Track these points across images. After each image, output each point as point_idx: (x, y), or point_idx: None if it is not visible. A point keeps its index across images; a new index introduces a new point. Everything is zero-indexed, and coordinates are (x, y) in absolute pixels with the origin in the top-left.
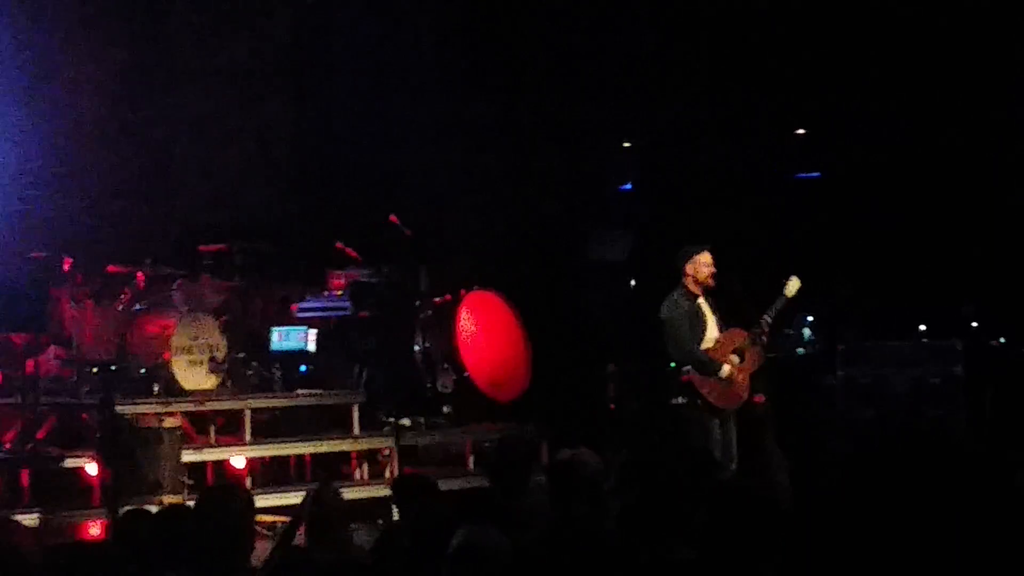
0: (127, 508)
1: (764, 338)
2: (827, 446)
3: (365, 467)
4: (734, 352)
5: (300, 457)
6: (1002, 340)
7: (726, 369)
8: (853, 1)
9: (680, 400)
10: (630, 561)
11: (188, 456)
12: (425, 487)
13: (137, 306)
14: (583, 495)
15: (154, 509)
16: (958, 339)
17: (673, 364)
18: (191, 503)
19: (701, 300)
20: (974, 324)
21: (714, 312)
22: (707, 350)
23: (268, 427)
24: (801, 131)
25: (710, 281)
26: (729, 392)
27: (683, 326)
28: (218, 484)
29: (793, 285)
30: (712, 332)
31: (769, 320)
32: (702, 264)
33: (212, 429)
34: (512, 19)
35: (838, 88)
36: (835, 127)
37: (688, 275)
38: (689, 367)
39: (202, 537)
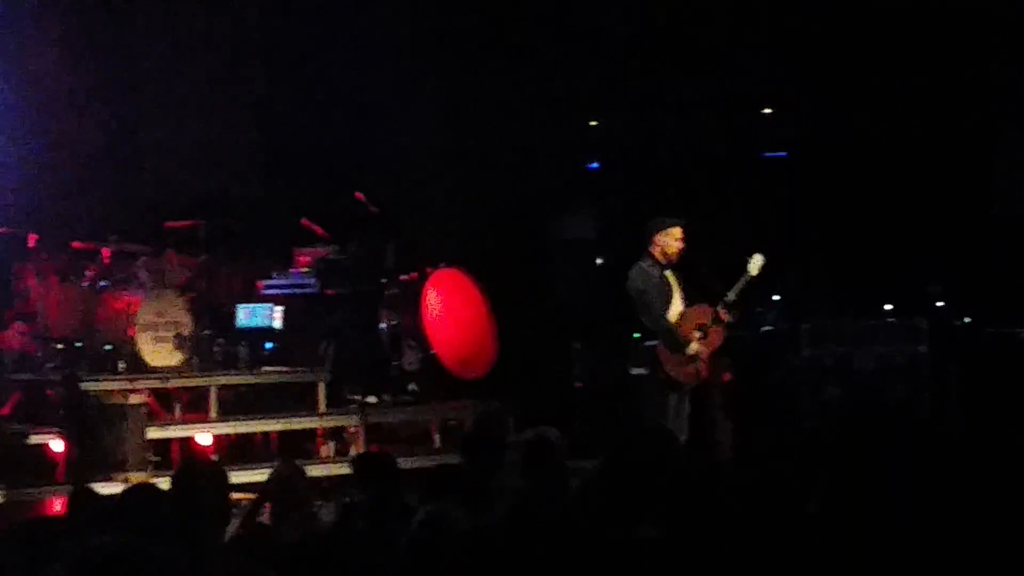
0: (76, 487)
1: (728, 316)
2: (791, 425)
3: (331, 445)
4: (697, 328)
5: (266, 434)
6: (967, 319)
7: (693, 346)
8: None
9: (640, 371)
10: (597, 539)
11: (153, 433)
12: (386, 465)
13: (102, 282)
14: (554, 473)
15: (119, 487)
16: (923, 318)
17: (637, 335)
18: (156, 480)
19: (667, 272)
20: (940, 303)
21: (679, 287)
22: (672, 323)
23: (234, 404)
24: (768, 110)
25: (676, 256)
26: (690, 368)
27: (654, 295)
28: (194, 459)
29: (757, 263)
30: (677, 306)
31: (733, 298)
32: (673, 237)
33: (178, 406)
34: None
35: (805, 67)
36: (802, 107)
37: (657, 244)
38: (658, 340)
39: (178, 512)
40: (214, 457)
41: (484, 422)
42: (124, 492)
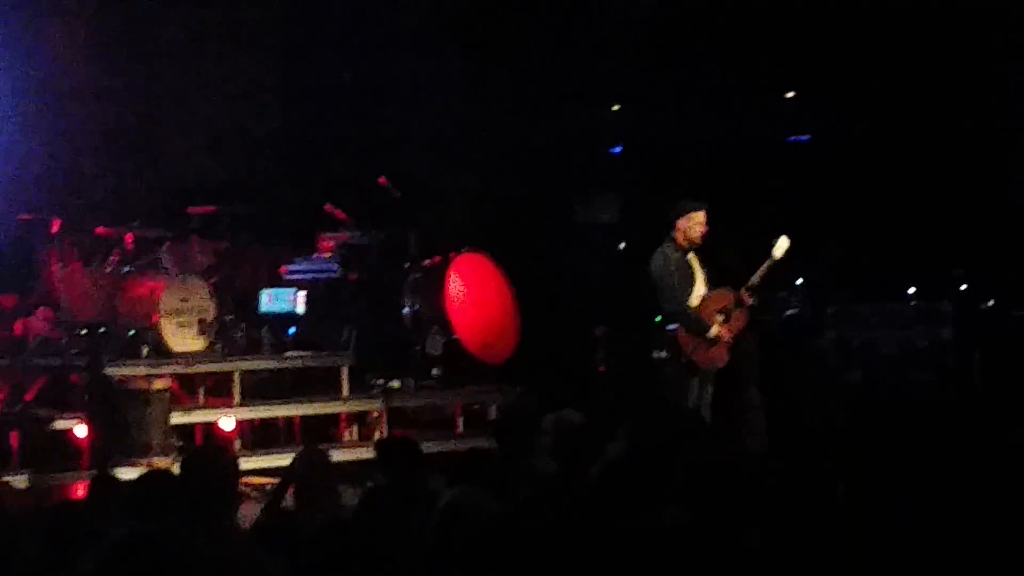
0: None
1: (751, 300)
2: (816, 409)
3: (354, 429)
4: (720, 312)
5: (289, 419)
6: (991, 303)
7: (714, 330)
8: None
9: (662, 355)
10: (620, 524)
11: (177, 418)
12: (409, 449)
13: (126, 268)
14: (584, 456)
15: (138, 472)
16: (947, 301)
17: (659, 319)
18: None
19: (691, 255)
20: (963, 287)
21: (701, 271)
22: (694, 307)
23: (257, 389)
24: (791, 94)
25: (699, 241)
26: (712, 352)
27: (673, 280)
28: (203, 446)
29: (781, 246)
30: (700, 289)
31: (757, 282)
32: (696, 222)
33: (201, 391)
34: None
35: (828, 50)
36: (826, 90)
37: (680, 229)
38: (677, 324)
39: (187, 497)
40: (237, 442)
41: (514, 406)
42: (140, 478)
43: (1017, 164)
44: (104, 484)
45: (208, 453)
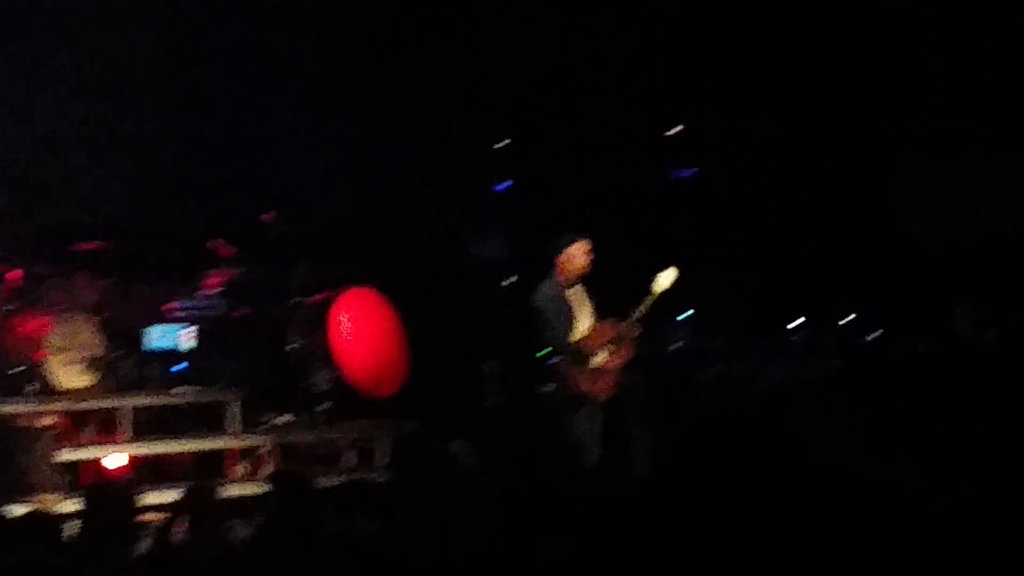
0: None
1: (637, 332)
2: (697, 442)
3: (244, 464)
4: (606, 344)
5: (178, 455)
6: (874, 336)
7: (597, 359)
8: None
9: (549, 388)
10: (508, 551)
11: (66, 456)
12: (301, 483)
13: (10, 306)
14: (465, 488)
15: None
16: (832, 335)
17: (544, 352)
18: (69, 503)
19: (574, 289)
20: (848, 319)
21: (587, 302)
22: (579, 340)
23: (146, 425)
24: (677, 129)
25: (584, 271)
26: (598, 384)
27: (555, 315)
28: (102, 480)
29: (667, 278)
30: (585, 322)
31: (643, 314)
32: (576, 254)
33: (90, 428)
34: (384, 21)
35: (713, 85)
36: (712, 124)
37: (563, 263)
38: (563, 357)
39: (84, 532)
40: (126, 478)
41: (402, 440)
42: (28, 514)
43: (902, 196)
44: None
45: (104, 489)
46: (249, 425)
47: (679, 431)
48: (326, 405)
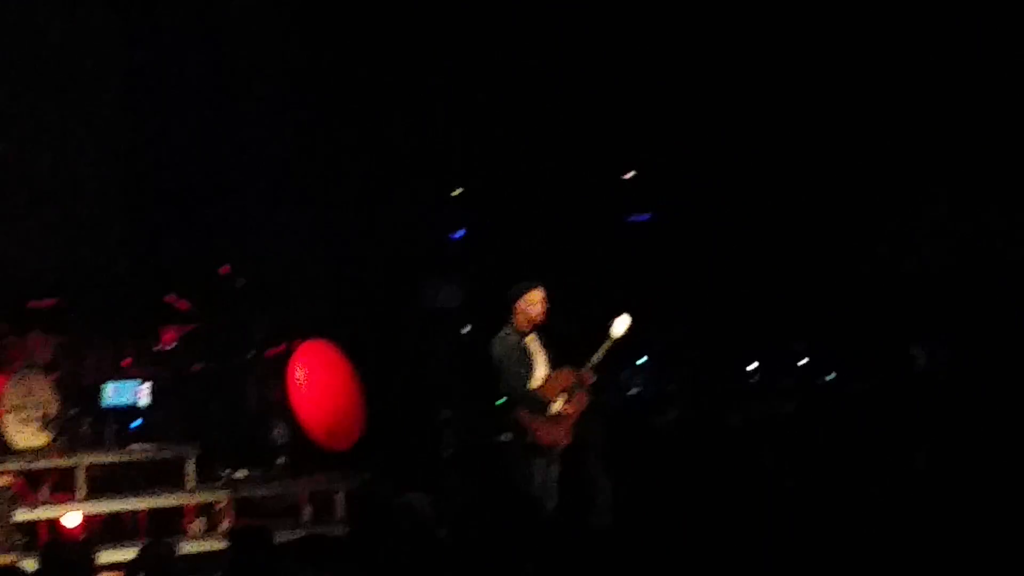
0: None
1: (593, 379)
2: (657, 488)
3: (201, 520)
4: (562, 391)
5: (135, 512)
6: (831, 377)
7: (554, 407)
8: (680, 41)
9: (506, 437)
10: None
11: (21, 515)
12: (260, 538)
13: None
14: (424, 539)
15: None
16: (789, 376)
17: (502, 401)
18: (24, 563)
19: (530, 337)
20: (804, 361)
21: (542, 350)
22: (536, 388)
23: (103, 483)
24: (630, 174)
25: (540, 319)
26: (556, 432)
27: (513, 364)
28: (60, 539)
29: (622, 325)
30: (541, 370)
31: (599, 361)
32: (532, 302)
33: (46, 487)
34: (339, 72)
35: (667, 128)
36: (667, 168)
37: (519, 311)
38: (520, 405)
39: None
40: (82, 537)
41: (356, 492)
42: None
43: (855, 238)
44: None
45: (61, 547)
46: (206, 480)
47: (638, 478)
48: (283, 459)
